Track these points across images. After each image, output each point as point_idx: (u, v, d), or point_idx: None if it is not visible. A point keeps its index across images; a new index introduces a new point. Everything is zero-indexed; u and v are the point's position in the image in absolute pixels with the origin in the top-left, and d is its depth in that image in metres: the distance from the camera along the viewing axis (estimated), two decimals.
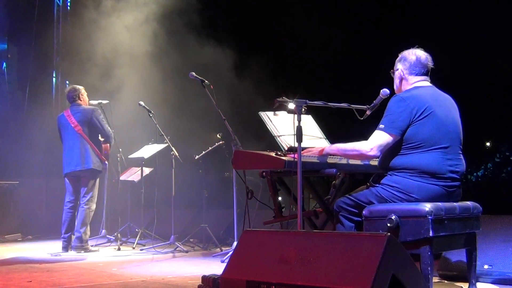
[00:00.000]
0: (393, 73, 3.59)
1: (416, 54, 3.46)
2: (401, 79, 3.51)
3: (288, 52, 9.20)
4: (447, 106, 3.40)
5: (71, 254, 6.10)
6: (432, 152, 3.24)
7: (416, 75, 3.45)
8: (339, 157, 3.57)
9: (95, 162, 6.21)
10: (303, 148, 3.43)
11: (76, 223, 6.25)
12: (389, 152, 3.32)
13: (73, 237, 6.24)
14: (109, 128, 6.40)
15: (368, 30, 8.60)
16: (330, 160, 3.55)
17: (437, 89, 3.48)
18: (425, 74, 3.47)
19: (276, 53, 9.03)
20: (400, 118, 3.25)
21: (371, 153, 3.27)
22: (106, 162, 6.47)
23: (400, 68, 3.51)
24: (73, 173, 6.27)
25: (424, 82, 3.45)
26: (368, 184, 3.42)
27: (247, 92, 8.27)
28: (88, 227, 6.27)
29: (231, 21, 9.28)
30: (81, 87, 6.54)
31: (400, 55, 3.54)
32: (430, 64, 3.48)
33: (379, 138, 3.27)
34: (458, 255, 4.05)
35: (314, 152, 3.56)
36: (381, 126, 3.28)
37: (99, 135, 6.43)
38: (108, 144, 6.49)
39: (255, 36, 9.16)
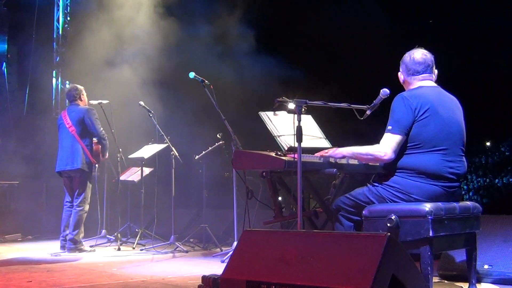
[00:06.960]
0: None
1: (410, 55, 3.43)
2: (404, 82, 3.50)
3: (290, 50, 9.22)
4: (450, 107, 3.37)
5: (70, 254, 6.10)
6: (432, 154, 3.22)
7: (415, 75, 3.40)
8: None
9: (84, 163, 6.19)
10: (304, 148, 3.42)
11: (69, 226, 6.26)
12: None
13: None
14: (101, 129, 6.32)
15: (369, 30, 8.60)
16: (330, 160, 3.55)
17: (442, 89, 3.43)
18: (426, 72, 3.40)
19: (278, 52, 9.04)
20: (405, 116, 3.23)
21: (386, 157, 3.23)
22: (96, 165, 6.43)
23: (400, 71, 3.50)
24: (64, 172, 6.32)
25: (427, 82, 3.40)
26: (368, 184, 3.41)
27: (247, 91, 8.26)
28: (82, 228, 6.27)
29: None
30: (82, 87, 6.57)
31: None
32: (429, 61, 3.40)
33: (391, 140, 3.23)
34: (458, 255, 4.05)
35: (331, 154, 3.51)
36: (389, 127, 3.25)
37: (93, 136, 6.40)
38: (100, 146, 6.43)
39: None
